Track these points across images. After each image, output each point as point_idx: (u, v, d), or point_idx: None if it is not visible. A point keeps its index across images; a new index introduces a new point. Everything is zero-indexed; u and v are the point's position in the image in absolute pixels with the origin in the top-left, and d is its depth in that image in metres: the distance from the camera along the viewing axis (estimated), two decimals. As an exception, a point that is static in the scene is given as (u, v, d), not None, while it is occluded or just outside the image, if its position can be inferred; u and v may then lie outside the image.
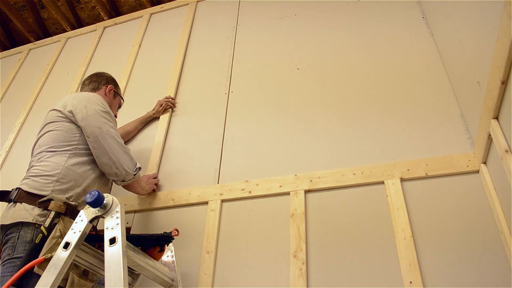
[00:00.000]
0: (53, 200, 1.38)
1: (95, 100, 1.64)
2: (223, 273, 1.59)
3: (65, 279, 1.30)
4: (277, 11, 2.52)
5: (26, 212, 1.36)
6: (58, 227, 1.33)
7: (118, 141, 1.59)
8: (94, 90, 1.85)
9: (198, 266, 1.63)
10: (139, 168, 1.65)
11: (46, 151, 1.53)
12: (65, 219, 1.37)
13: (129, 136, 2.24)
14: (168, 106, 2.28)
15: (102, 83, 1.88)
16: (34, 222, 1.34)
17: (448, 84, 1.78)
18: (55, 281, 1.06)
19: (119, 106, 2.00)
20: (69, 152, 1.52)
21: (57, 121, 1.59)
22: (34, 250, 1.27)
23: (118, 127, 2.18)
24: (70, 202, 1.40)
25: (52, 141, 1.55)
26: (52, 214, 1.35)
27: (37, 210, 1.37)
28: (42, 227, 1.31)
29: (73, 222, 1.36)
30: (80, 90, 1.89)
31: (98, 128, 1.55)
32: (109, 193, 1.66)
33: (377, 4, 2.25)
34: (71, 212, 1.40)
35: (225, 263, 1.62)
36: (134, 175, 1.62)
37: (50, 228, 1.32)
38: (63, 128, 1.56)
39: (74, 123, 1.58)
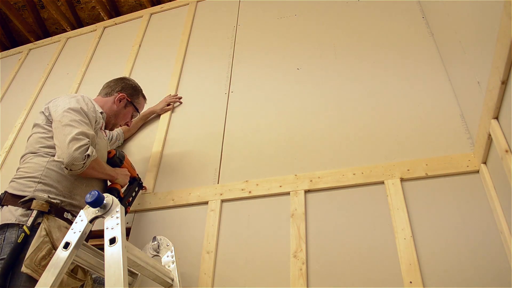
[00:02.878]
0: (35, 199, 1.38)
1: (72, 100, 1.59)
2: (223, 273, 1.59)
3: None
4: (277, 11, 2.52)
5: (10, 214, 1.38)
6: (43, 225, 1.34)
7: (71, 132, 1.47)
8: (106, 95, 1.83)
9: (198, 266, 1.63)
10: (88, 156, 1.46)
11: (29, 153, 1.55)
12: (49, 217, 1.38)
13: (130, 133, 2.24)
14: (175, 102, 2.29)
15: (116, 90, 1.83)
16: (17, 222, 1.35)
17: (448, 84, 1.78)
18: (55, 281, 1.06)
19: (132, 117, 1.91)
20: (50, 153, 1.52)
21: (40, 124, 1.59)
22: (17, 249, 1.28)
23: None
24: (52, 201, 1.41)
25: (35, 143, 1.56)
26: (35, 213, 1.35)
27: (20, 211, 1.37)
28: (24, 227, 1.32)
29: (58, 220, 1.39)
30: (99, 93, 1.88)
31: (58, 122, 1.51)
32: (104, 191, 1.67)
33: (377, 4, 2.25)
34: (55, 210, 1.41)
35: (225, 263, 1.62)
36: (84, 164, 1.45)
37: (34, 227, 1.33)
38: (44, 130, 1.57)
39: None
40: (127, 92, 1.85)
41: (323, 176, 1.69)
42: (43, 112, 1.62)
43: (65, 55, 3.18)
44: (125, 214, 1.70)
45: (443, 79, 1.80)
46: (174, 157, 2.08)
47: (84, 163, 1.46)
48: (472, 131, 1.56)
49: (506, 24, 1.07)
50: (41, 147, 1.54)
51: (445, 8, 1.71)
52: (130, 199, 1.78)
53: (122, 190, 1.71)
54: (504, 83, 1.16)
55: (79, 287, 1.41)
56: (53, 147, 1.52)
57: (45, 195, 1.41)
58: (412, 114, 1.76)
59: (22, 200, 1.39)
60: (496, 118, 1.27)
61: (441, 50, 1.87)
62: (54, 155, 1.50)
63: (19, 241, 1.29)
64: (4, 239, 1.33)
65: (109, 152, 1.71)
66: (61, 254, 1.11)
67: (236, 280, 1.56)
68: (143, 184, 1.95)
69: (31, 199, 1.39)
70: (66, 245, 1.13)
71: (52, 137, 1.54)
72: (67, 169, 1.44)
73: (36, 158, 1.51)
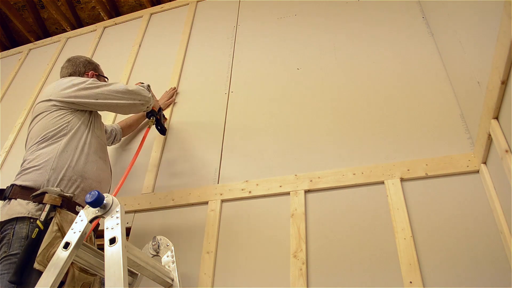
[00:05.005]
0: (47, 193, 1.36)
1: (76, 77, 1.70)
2: (223, 273, 1.59)
3: (65, 274, 1.30)
4: (277, 11, 2.52)
5: (20, 207, 1.35)
6: (55, 220, 1.33)
7: (119, 86, 1.70)
8: None
9: (198, 266, 1.63)
10: (148, 86, 1.83)
11: (38, 142, 1.53)
12: (62, 211, 1.37)
13: (130, 130, 2.23)
14: (173, 94, 2.34)
15: (81, 71, 1.85)
16: (29, 216, 1.33)
17: (448, 84, 1.78)
18: (55, 281, 1.06)
19: None
20: (61, 139, 1.52)
21: (45, 111, 1.59)
22: (32, 245, 1.26)
23: (119, 121, 2.22)
24: (65, 194, 1.39)
25: (42, 130, 1.55)
26: (48, 207, 1.34)
27: (31, 205, 1.36)
28: (38, 221, 1.30)
29: (70, 214, 1.38)
30: None
31: (99, 92, 1.64)
32: (110, 177, 1.69)
33: (377, 4, 2.25)
34: (67, 204, 1.40)
35: (225, 263, 1.62)
36: (152, 94, 1.82)
37: (46, 222, 1.31)
38: (52, 116, 1.57)
39: (63, 108, 1.59)
40: (91, 68, 1.89)
41: (323, 176, 1.69)
42: (46, 100, 1.61)
43: (65, 55, 3.18)
44: (165, 134, 2.15)
45: (443, 79, 1.80)
46: (174, 157, 2.08)
47: (151, 93, 1.81)
48: (472, 131, 1.56)
49: (506, 24, 1.07)
50: (50, 134, 1.53)
51: (445, 8, 1.71)
52: (163, 121, 2.12)
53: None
54: (504, 83, 1.16)
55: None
56: (63, 132, 1.54)
57: (58, 189, 1.39)
58: (412, 114, 1.76)
59: (34, 194, 1.37)
60: (496, 118, 1.27)
61: (441, 50, 1.87)
62: (65, 141, 1.52)
63: (33, 236, 1.27)
64: (13, 234, 1.31)
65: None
66: (61, 254, 1.11)
67: (236, 280, 1.56)
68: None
69: (43, 193, 1.37)
70: (66, 245, 1.13)
71: (60, 121, 1.56)
72: (145, 108, 1.78)
73: (46, 147, 1.51)
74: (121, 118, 2.27)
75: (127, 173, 1.68)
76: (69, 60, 1.89)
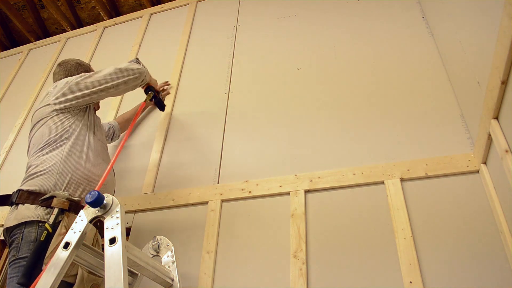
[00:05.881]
0: (55, 197, 1.38)
1: (68, 78, 1.70)
2: (223, 273, 1.59)
3: (74, 275, 1.31)
4: (277, 11, 2.52)
5: (29, 212, 1.36)
6: (63, 223, 1.34)
7: (108, 70, 1.69)
8: None
9: (198, 266, 1.63)
10: (137, 59, 1.84)
11: (41, 148, 1.54)
12: (70, 215, 1.38)
13: (128, 123, 2.21)
14: (166, 89, 2.34)
15: (73, 75, 1.80)
16: (38, 220, 1.34)
17: (448, 84, 1.78)
18: (55, 281, 1.06)
19: None
20: (64, 143, 1.53)
21: (46, 117, 1.60)
22: (40, 248, 1.27)
23: (116, 118, 2.24)
24: (73, 198, 1.41)
25: (44, 136, 1.56)
26: (56, 211, 1.35)
27: (40, 209, 1.37)
28: (46, 225, 1.31)
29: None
30: None
31: (97, 82, 1.64)
32: (114, 179, 1.71)
33: (377, 4, 2.25)
34: (74, 207, 1.41)
35: (225, 263, 1.62)
36: (143, 65, 1.82)
37: (55, 225, 1.33)
38: (53, 122, 1.58)
39: (64, 112, 1.60)
40: (82, 70, 1.86)
41: (323, 176, 1.69)
42: (43, 107, 1.62)
43: (65, 55, 3.17)
44: (164, 109, 2.13)
45: (443, 79, 1.80)
46: (174, 157, 2.08)
47: (142, 65, 1.80)
48: (472, 131, 1.56)
49: (506, 24, 1.07)
50: (53, 139, 1.54)
51: (445, 8, 1.71)
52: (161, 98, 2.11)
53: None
54: (504, 83, 1.16)
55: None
56: (66, 136, 1.55)
57: (66, 193, 1.41)
58: (412, 114, 1.76)
59: (42, 198, 1.38)
60: (496, 118, 1.27)
61: (441, 50, 1.87)
62: (68, 144, 1.53)
63: (42, 239, 1.28)
64: (22, 238, 1.33)
65: None
66: (61, 254, 1.11)
67: (236, 280, 1.56)
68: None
69: (51, 197, 1.38)
70: (66, 245, 1.13)
71: (62, 125, 1.57)
72: (141, 81, 1.77)
73: (51, 152, 1.52)
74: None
75: (120, 148, 1.62)
76: (60, 65, 1.87)
